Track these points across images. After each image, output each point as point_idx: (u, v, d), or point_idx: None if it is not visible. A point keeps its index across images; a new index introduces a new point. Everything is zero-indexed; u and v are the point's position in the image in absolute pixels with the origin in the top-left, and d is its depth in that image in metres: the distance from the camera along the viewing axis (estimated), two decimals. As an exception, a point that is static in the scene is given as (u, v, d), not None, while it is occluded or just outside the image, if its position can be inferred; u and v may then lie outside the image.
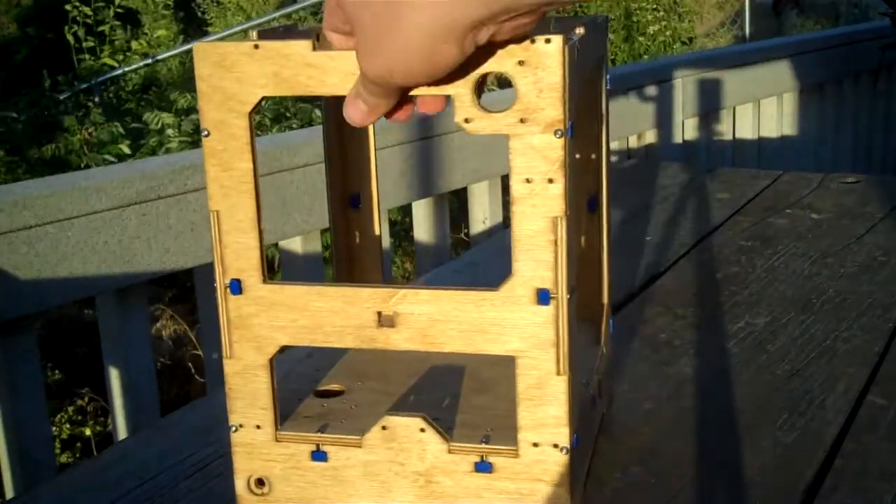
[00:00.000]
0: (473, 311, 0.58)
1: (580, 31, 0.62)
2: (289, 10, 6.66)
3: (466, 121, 0.55)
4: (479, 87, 0.55)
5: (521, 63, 0.53)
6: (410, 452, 0.62)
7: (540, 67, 0.53)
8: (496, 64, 0.53)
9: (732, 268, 1.17)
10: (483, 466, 0.61)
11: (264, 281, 0.60)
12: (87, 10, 5.72)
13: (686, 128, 2.72)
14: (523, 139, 0.54)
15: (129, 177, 1.51)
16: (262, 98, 0.58)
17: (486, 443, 0.62)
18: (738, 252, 1.23)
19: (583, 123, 0.74)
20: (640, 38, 6.50)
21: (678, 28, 7.06)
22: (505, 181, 2.19)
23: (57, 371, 2.94)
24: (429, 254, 2.09)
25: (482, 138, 2.06)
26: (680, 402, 0.82)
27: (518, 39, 0.52)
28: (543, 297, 0.57)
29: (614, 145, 2.52)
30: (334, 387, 0.72)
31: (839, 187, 1.53)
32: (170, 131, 3.67)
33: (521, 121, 0.54)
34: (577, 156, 0.74)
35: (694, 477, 0.70)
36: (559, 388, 0.58)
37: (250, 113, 0.58)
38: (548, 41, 0.53)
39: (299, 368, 0.75)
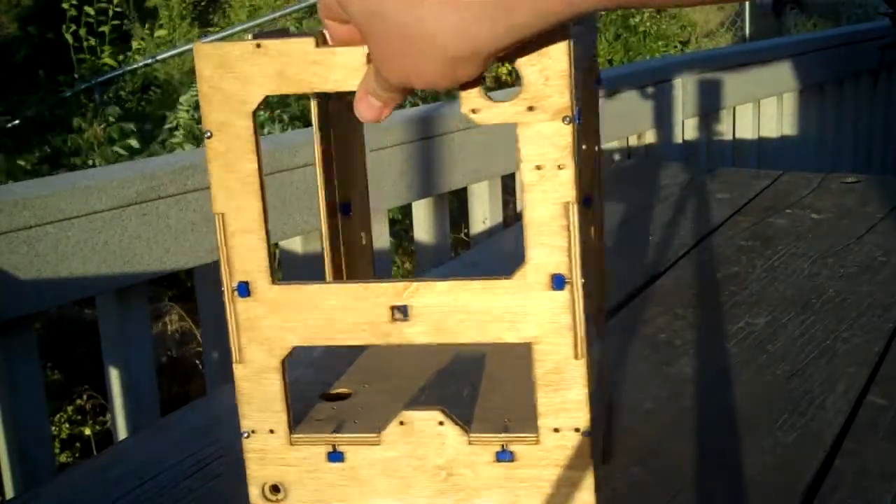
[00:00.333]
0: (488, 300, 0.58)
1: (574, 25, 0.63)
2: (289, 9, 6.65)
3: (473, 111, 0.55)
4: (484, 78, 0.56)
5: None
6: (429, 446, 0.61)
7: (546, 55, 0.54)
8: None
9: (732, 268, 1.17)
10: (504, 455, 0.61)
11: (273, 282, 0.60)
12: (88, 9, 5.72)
13: (686, 128, 2.72)
14: (532, 127, 0.55)
15: (129, 177, 1.51)
16: (266, 97, 0.57)
17: (507, 432, 0.62)
18: (738, 252, 1.23)
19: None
20: (632, 39, 6.50)
21: (671, 32, 7.06)
22: (505, 181, 2.19)
23: (57, 371, 2.94)
24: (429, 254, 2.09)
25: (482, 138, 2.06)
26: (680, 402, 0.82)
27: None
28: (559, 282, 0.58)
29: (614, 145, 2.52)
30: (341, 391, 0.72)
31: (839, 187, 1.53)
32: (178, 132, 3.70)
33: (530, 109, 0.55)
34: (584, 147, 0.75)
35: (694, 477, 0.70)
36: (578, 371, 0.59)
37: (254, 112, 0.57)
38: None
39: (302, 377, 0.75)
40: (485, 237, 2.16)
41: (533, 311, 0.58)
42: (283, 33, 0.63)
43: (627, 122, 2.53)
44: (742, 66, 2.86)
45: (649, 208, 1.45)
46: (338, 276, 0.78)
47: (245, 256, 0.59)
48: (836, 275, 1.12)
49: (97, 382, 2.33)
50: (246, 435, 0.63)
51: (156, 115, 4.88)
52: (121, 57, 6.12)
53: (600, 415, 0.71)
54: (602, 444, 0.69)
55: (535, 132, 0.55)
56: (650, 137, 2.63)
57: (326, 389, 0.72)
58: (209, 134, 0.58)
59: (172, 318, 3.32)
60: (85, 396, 2.69)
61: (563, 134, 0.55)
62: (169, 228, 1.55)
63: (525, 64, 0.54)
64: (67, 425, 2.66)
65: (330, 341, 0.60)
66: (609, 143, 2.48)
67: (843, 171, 2.77)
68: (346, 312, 0.60)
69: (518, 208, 2.40)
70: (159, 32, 7.00)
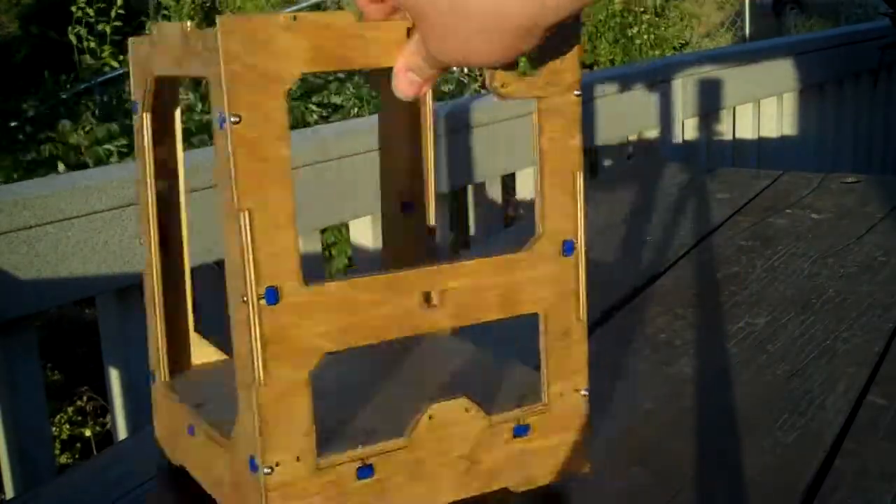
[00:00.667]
0: (510, 274, 0.60)
1: None
2: (292, 10, 6.67)
3: (503, 86, 0.58)
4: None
5: None
6: (453, 438, 0.60)
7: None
8: None
9: (732, 268, 1.17)
10: (521, 430, 0.62)
11: (304, 283, 0.54)
12: (90, 10, 5.72)
13: (686, 128, 2.72)
14: (551, 100, 0.60)
15: (129, 177, 1.51)
16: (301, 75, 0.53)
17: (524, 402, 0.63)
18: (738, 252, 1.23)
19: None
20: (631, 48, 6.49)
21: (671, 34, 7.04)
22: (505, 181, 2.19)
23: (57, 371, 2.94)
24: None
25: (482, 138, 2.06)
26: (680, 402, 0.82)
27: None
28: (568, 247, 0.61)
29: (614, 145, 2.52)
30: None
31: (839, 187, 1.53)
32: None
33: (549, 83, 0.60)
34: None
35: (694, 477, 0.70)
36: (581, 333, 0.62)
37: (287, 92, 0.53)
38: None
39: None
40: (485, 237, 2.15)
41: (546, 280, 0.61)
42: None
43: (627, 121, 2.53)
44: (742, 66, 2.86)
45: (649, 208, 1.45)
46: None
47: (275, 257, 0.53)
48: (836, 275, 1.12)
49: (97, 383, 2.33)
50: (269, 472, 0.53)
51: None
52: (121, 57, 6.11)
53: None
54: None
55: (552, 105, 0.60)
56: (650, 137, 2.63)
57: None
58: (237, 118, 0.51)
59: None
60: (85, 398, 2.69)
61: (573, 106, 0.60)
62: (169, 228, 1.55)
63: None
64: (68, 426, 2.66)
65: (358, 342, 0.56)
66: (609, 143, 2.48)
67: (843, 171, 2.77)
68: (380, 306, 0.56)
69: (518, 209, 2.41)
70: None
